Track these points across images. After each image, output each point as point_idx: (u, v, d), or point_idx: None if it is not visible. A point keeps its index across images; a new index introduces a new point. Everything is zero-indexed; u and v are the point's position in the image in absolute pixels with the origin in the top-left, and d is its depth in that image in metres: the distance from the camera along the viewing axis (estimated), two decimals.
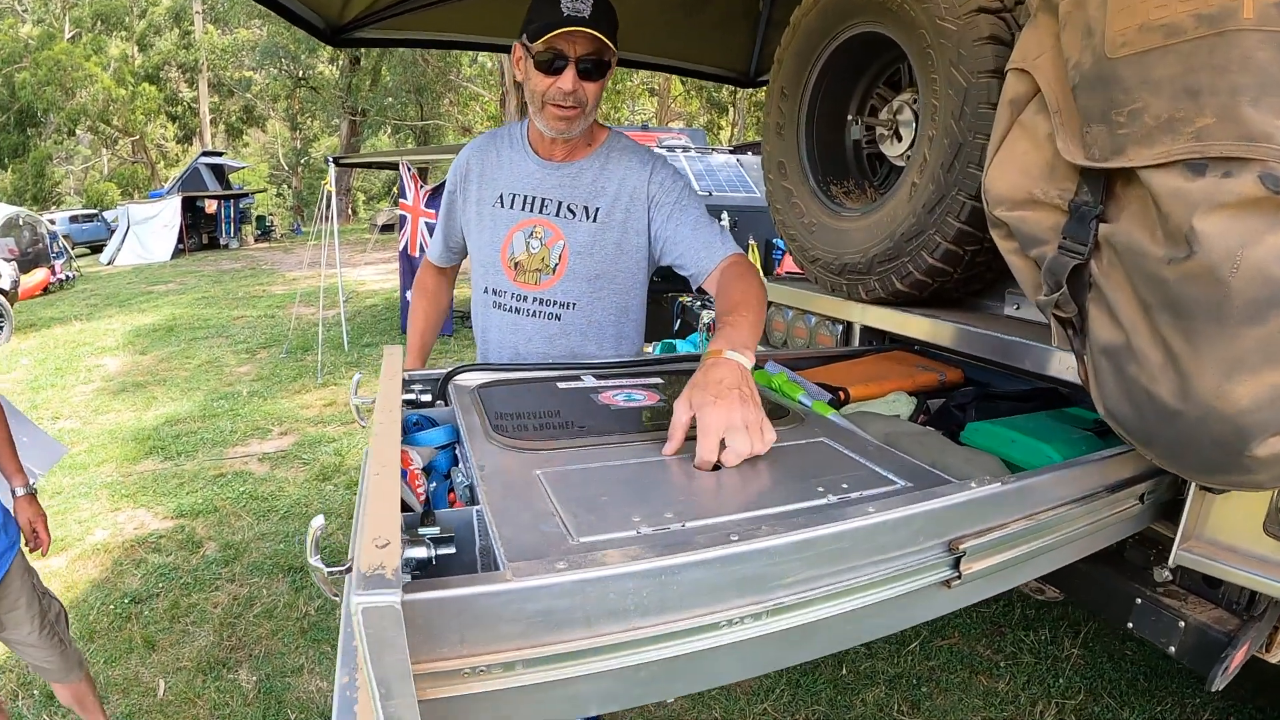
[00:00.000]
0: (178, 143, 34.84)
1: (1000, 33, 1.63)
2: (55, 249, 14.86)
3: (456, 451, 1.20)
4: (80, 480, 4.82)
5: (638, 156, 1.73)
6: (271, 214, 28.12)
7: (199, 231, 20.36)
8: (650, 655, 0.73)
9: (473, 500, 0.98)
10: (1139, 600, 1.53)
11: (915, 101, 2.03)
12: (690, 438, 1.06)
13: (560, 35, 1.48)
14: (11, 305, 10.54)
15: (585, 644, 0.70)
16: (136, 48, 31.54)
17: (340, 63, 28.59)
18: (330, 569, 0.74)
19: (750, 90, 4.30)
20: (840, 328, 2.25)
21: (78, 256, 17.24)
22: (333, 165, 8.59)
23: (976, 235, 1.73)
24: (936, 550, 0.91)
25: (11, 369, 8.06)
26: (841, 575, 0.83)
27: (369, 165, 15.26)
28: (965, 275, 1.86)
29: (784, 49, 2.31)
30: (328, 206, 8.08)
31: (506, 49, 3.90)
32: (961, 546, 0.91)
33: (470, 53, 23.96)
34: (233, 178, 22.91)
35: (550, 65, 1.53)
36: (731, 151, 8.29)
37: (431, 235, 2.08)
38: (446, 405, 1.36)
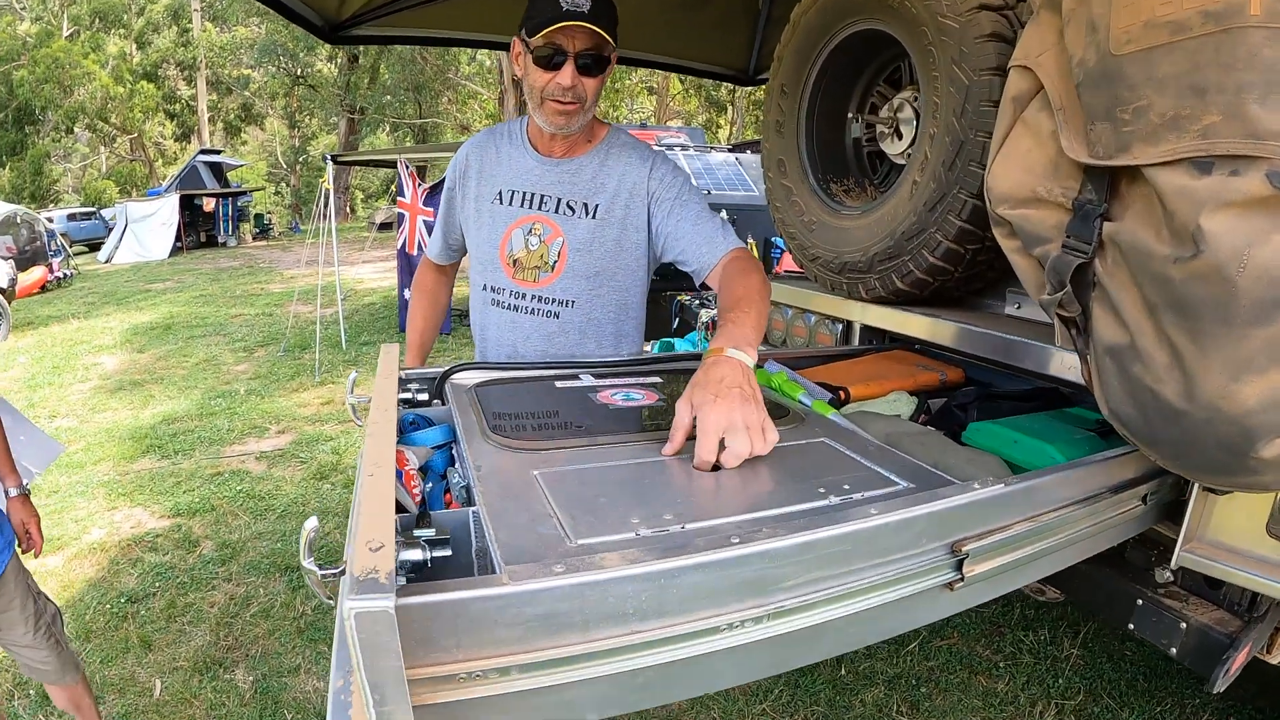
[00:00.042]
0: (176, 141, 34.81)
1: (1002, 30, 1.62)
2: (53, 247, 14.84)
3: (453, 451, 1.19)
4: (77, 479, 4.81)
5: (638, 152, 1.72)
6: (269, 212, 28.10)
7: (197, 229, 20.33)
8: (649, 660, 0.72)
9: (469, 501, 0.96)
10: (1140, 601, 1.52)
11: (916, 99, 2.02)
12: (692, 438, 1.04)
13: (559, 30, 1.47)
14: (9, 303, 10.52)
15: (583, 649, 0.68)
16: (135, 45, 31.50)
17: (339, 61, 28.55)
18: (324, 571, 0.73)
19: (749, 88, 4.29)
20: (840, 327, 2.24)
21: (75, 254, 17.22)
22: (331, 163, 8.58)
23: (978, 234, 1.72)
24: (939, 552, 0.90)
25: (9, 367, 8.04)
26: (843, 578, 0.81)
27: (367, 163, 15.25)
28: (966, 274, 1.84)
29: (784, 46, 2.30)
30: (326, 204, 8.06)
31: (505, 46, 3.88)
32: (964, 548, 0.90)
33: (469, 51, 23.94)
34: (231, 176, 22.90)
35: (549, 60, 1.52)
36: (730, 150, 8.28)
37: (430, 233, 2.07)
38: (444, 404, 1.35)
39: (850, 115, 2.30)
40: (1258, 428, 0.92)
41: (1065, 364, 1.51)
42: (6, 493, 2.05)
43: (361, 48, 25.40)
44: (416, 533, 0.80)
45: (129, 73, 29.83)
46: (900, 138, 2.10)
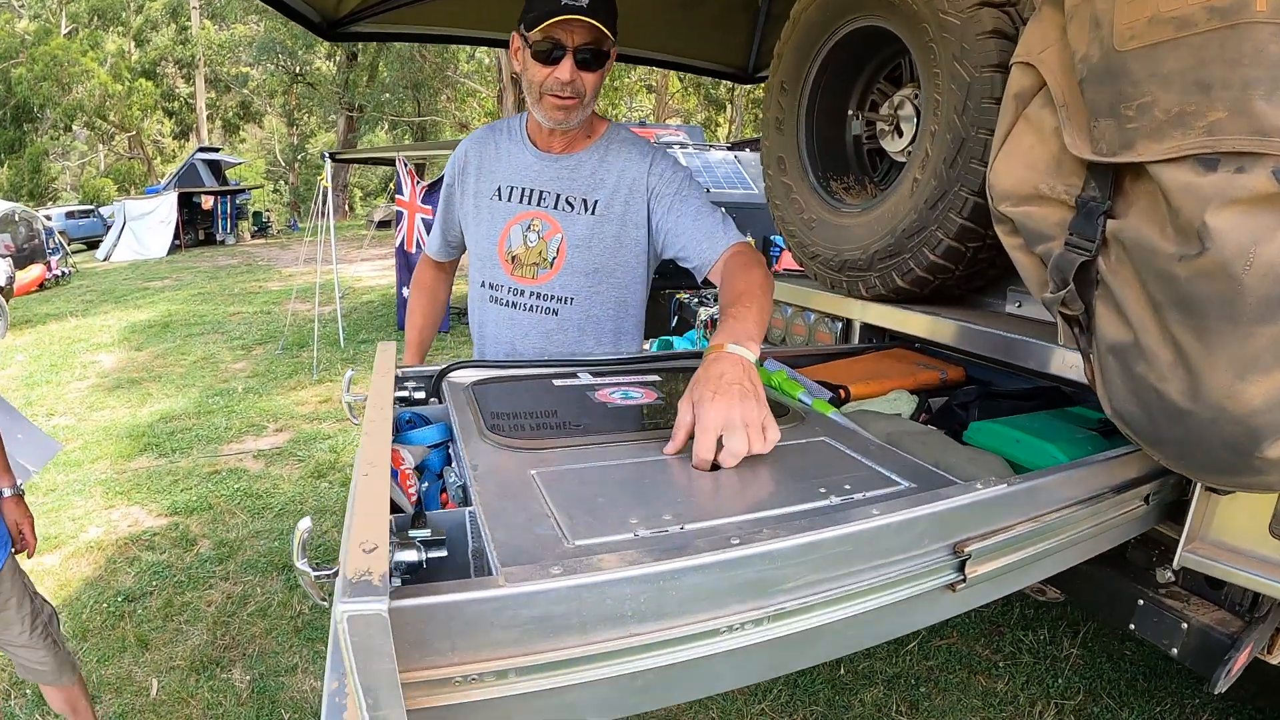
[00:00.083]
0: (174, 138, 34.77)
1: (1004, 27, 1.61)
2: (51, 245, 14.82)
3: (449, 450, 1.18)
4: (74, 477, 4.79)
5: (637, 148, 1.70)
6: (268, 210, 28.10)
7: (195, 227, 20.31)
8: (648, 662, 0.71)
9: (466, 501, 0.95)
10: (1141, 602, 1.51)
11: (917, 96, 2.01)
12: (693, 437, 1.03)
13: (558, 24, 1.45)
14: (7, 301, 10.50)
15: (581, 651, 0.67)
16: (133, 43, 31.45)
17: (337, 58, 28.55)
18: (317, 573, 0.72)
19: (748, 87, 4.28)
20: (840, 325, 2.23)
21: (74, 252, 17.18)
22: (329, 161, 8.56)
23: (979, 231, 1.71)
24: (941, 553, 0.89)
25: (6, 365, 8.02)
26: (845, 579, 0.80)
27: (366, 161, 15.24)
28: (967, 272, 1.83)
29: (784, 43, 2.28)
30: (324, 202, 8.04)
31: (504, 44, 3.87)
32: (967, 549, 0.89)
33: (467, 49, 23.95)
34: (229, 174, 22.89)
35: (548, 55, 1.50)
36: (729, 148, 8.27)
37: (428, 231, 2.06)
38: (441, 403, 1.34)
39: (850, 112, 2.29)
40: (1263, 427, 0.91)
41: (1067, 362, 1.50)
42: (0, 493, 2.04)
43: (360, 45, 25.38)
44: (412, 533, 0.79)
45: (127, 70, 29.79)
46: (901, 135, 2.09)
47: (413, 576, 0.74)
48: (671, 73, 21.91)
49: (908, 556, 0.85)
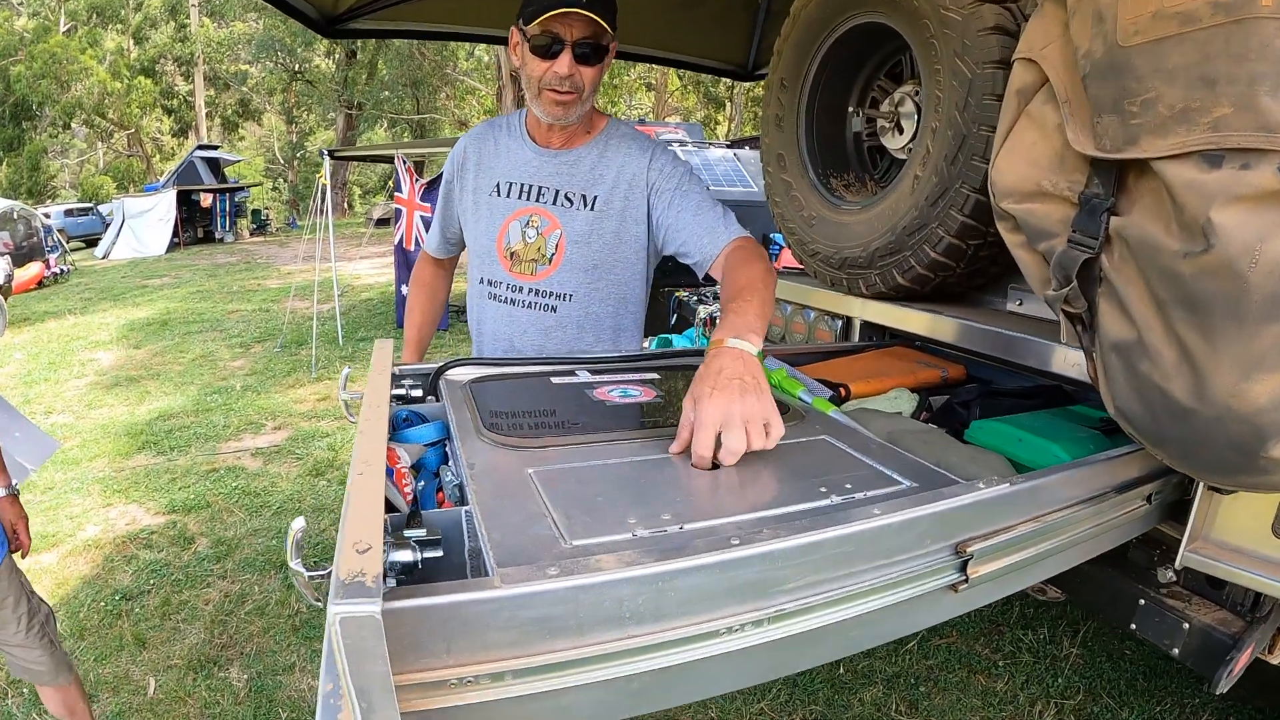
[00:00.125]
0: (173, 136, 34.73)
1: (1005, 23, 1.60)
2: (50, 243, 14.81)
3: (447, 449, 1.17)
4: (72, 475, 4.78)
5: (637, 143, 1.69)
6: (267, 208, 28.09)
7: (194, 225, 20.30)
8: (646, 665, 0.70)
9: (462, 500, 0.94)
10: (1143, 601, 1.50)
11: (918, 93, 2.00)
12: None
13: (556, 17, 1.44)
14: (5, 299, 10.49)
15: (578, 653, 0.66)
16: (132, 41, 31.42)
17: (336, 56, 28.53)
18: (311, 573, 0.71)
19: (748, 85, 4.27)
20: (840, 323, 2.22)
21: (72, 250, 17.18)
22: (328, 158, 8.54)
23: (980, 229, 1.70)
24: (943, 553, 0.88)
25: (5, 363, 8.01)
26: (846, 580, 0.79)
27: (364, 159, 15.22)
28: (968, 270, 1.83)
29: (783, 40, 2.27)
30: (323, 200, 8.03)
31: (503, 41, 3.86)
32: (969, 549, 0.88)
33: (467, 47, 23.90)
34: (228, 171, 22.87)
35: (547, 49, 1.49)
36: (729, 146, 8.25)
37: (427, 229, 2.05)
38: (438, 401, 1.33)
39: (851, 109, 2.28)
40: (1269, 426, 0.90)
41: (1068, 361, 1.49)
42: None
43: (359, 43, 25.36)
44: (407, 533, 0.77)
45: (126, 68, 29.78)
46: (901, 132, 2.08)
47: (408, 577, 0.73)
48: (671, 70, 21.89)
49: (909, 557, 0.84)
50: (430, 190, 7.78)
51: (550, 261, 1.67)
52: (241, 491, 4.49)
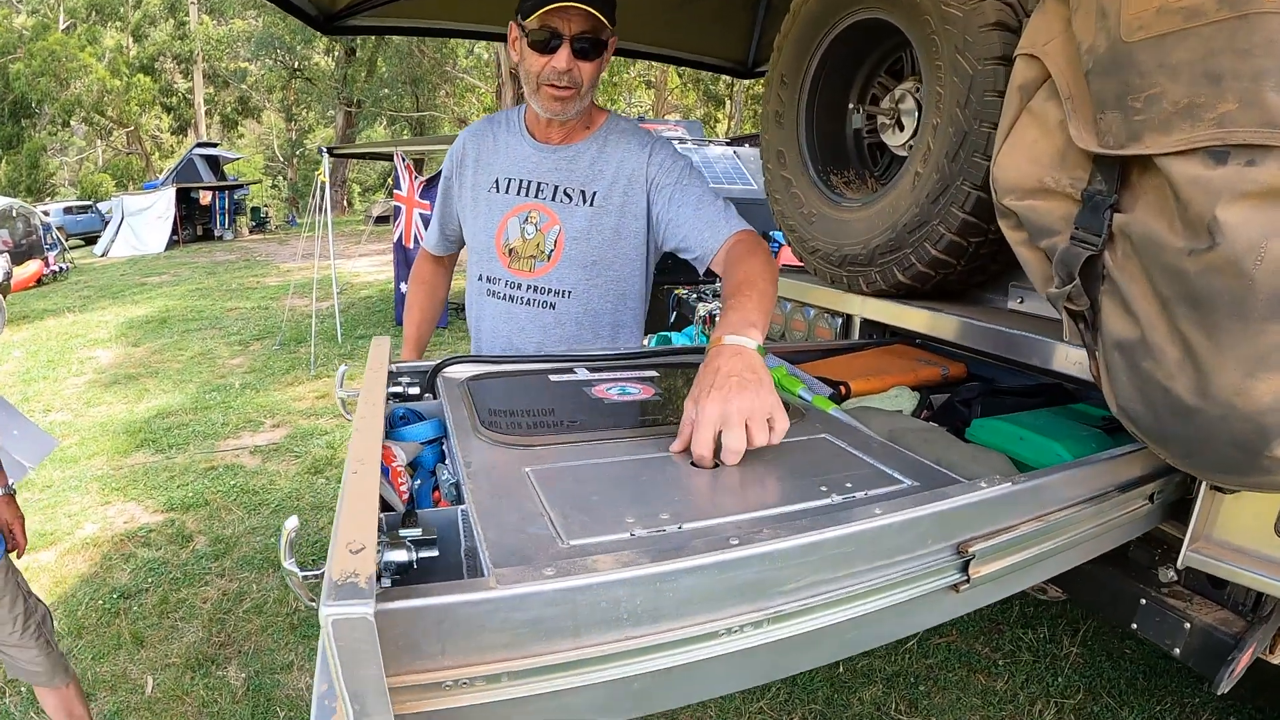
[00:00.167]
0: (172, 134, 34.70)
1: (1007, 19, 1.59)
2: (49, 241, 14.81)
3: (443, 447, 1.16)
4: (71, 473, 4.77)
5: (637, 138, 1.68)
6: (266, 205, 28.07)
7: (193, 223, 20.28)
8: (644, 666, 0.69)
9: (458, 499, 0.93)
10: (1144, 601, 1.49)
11: (918, 89, 1.98)
12: None
13: (554, 11, 1.43)
14: (4, 297, 10.48)
15: (575, 655, 0.65)
16: (131, 39, 31.38)
17: (336, 54, 28.51)
18: (305, 573, 0.70)
19: (747, 82, 4.26)
20: (840, 321, 2.21)
21: (72, 248, 17.16)
22: (327, 156, 8.53)
23: (981, 226, 1.69)
24: (945, 553, 0.87)
25: (3, 361, 8.00)
26: (846, 580, 0.79)
27: (363, 156, 15.20)
28: (969, 267, 1.81)
29: (784, 36, 2.26)
30: (322, 197, 8.02)
31: (502, 38, 3.84)
32: (971, 549, 0.87)
33: (466, 44, 23.88)
34: (227, 169, 22.83)
35: (545, 44, 1.48)
36: (728, 144, 8.24)
37: (426, 226, 2.04)
38: (436, 398, 1.32)
39: (851, 106, 2.27)
40: (1273, 426, 0.89)
41: (1070, 359, 1.48)
42: None
43: (358, 40, 25.34)
44: (402, 532, 0.76)
45: (125, 66, 29.74)
46: (902, 129, 2.07)
47: (403, 577, 0.73)
48: (670, 68, 21.86)
49: (910, 557, 0.83)
50: (429, 187, 7.77)
51: (549, 258, 1.66)
52: (240, 489, 4.48)
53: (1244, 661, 1.37)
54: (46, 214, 16.69)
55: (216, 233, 20.95)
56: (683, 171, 1.64)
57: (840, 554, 0.77)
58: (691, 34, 3.73)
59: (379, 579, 0.65)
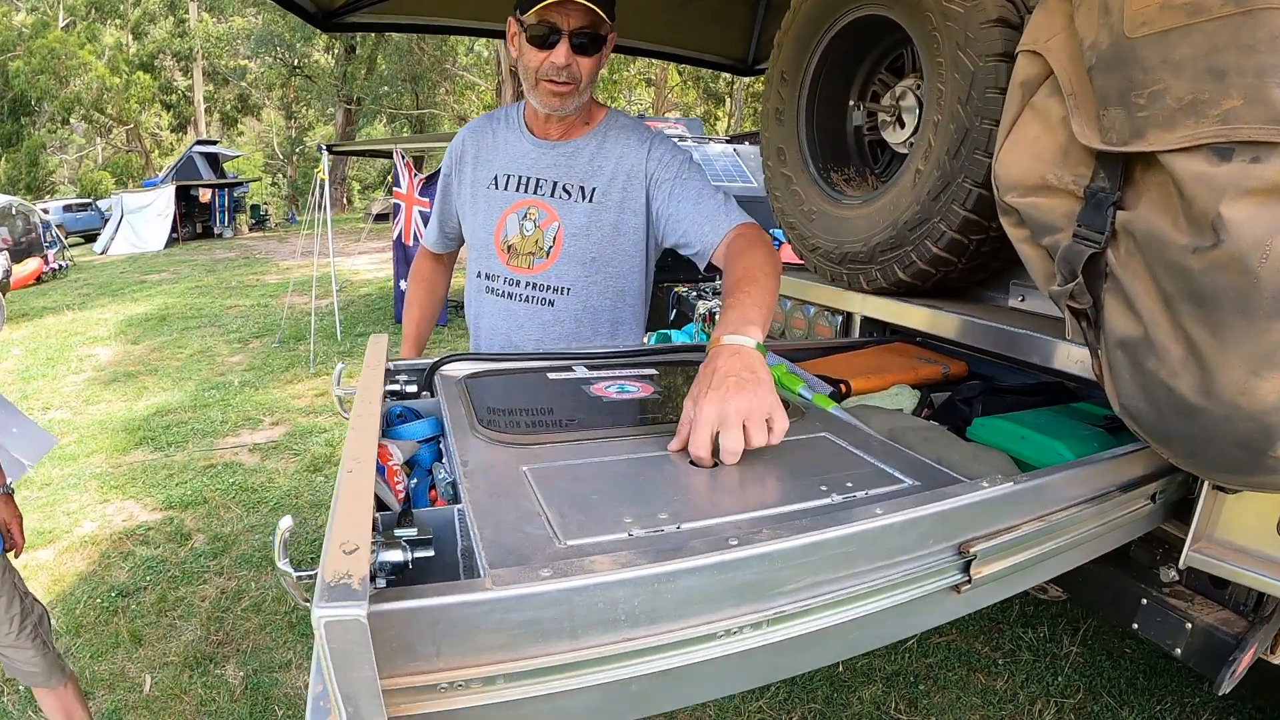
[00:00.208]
0: (172, 131, 34.65)
1: (1009, 15, 1.58)
2: (48, 238, 14.80)
3: (441, 446, 1.15)
4: (69, 471, 4.77)
5: (636, 134, 1.67)
6: (266, 203, 28.05)
7: (193, 220, 20.26)
8: (642, 668, 0.68)
9: (455, 498, 0.93)
10: (1145, 601, 1.48)
11: (919, 86, 1.97)
12: None
13: (553, 6, 1.42)
14: (4, 295, 10.46)
15: (572, 657, 0.65)
16: (131, 36, 31.34)
17: (335, 51, 28.48)
18: (299, 573, 0.69)
19: (747, 80, 4.25)
20: (840, 319, 2.20)
21: (71, 246, 17.16)
22: (326, 153, 8.53)
23: (982, 224, 1.68)
24: (946, 553, 0.86)
25: (2, 359, 8.00)
26: (847, 581, 0.78)
27: (363, 153, 15.18)
28: (970, 265, 1.80)
29: (784, 33, 2.25)
30: (321, 195, 8.00)
31: (501, 34, 3.83)
32: (972, 549, 0.86)
33: (466, 42, 23.87)
34: (227, 166, 22.78)
35: (544, 40, 1.47)
36: (728, 141, 8.23)
37: (426, 224, 2.03)
38: (434, 397, 1.31)
39: (851, 103, 2.26)
40: (1278, 425, 0.88)
41: (1072, 357, 1.47)
42: None
43: (358, 38, 25.33)
44: (398, 532, 0.75)
45: (125, 63, 29.69)
46: (903, 126, 2.06)
47: (398, 577, 0.72)
48: (670, 66, 21.85)
49: (911, 557, 0.83)
50: (429, 185, 7.76)
51: (548, 255, 1.65)
52: (239, 487, 4.47)
53: (1245, 662, 1.37)
54: (46, 212, 16.69)
55: (216, 230, 20.93)
56: (682, 166, 1.63)
57: (841, 554, 0.76)
58: (692, 31, 3.72)
59: (373, 579, 0.65)
